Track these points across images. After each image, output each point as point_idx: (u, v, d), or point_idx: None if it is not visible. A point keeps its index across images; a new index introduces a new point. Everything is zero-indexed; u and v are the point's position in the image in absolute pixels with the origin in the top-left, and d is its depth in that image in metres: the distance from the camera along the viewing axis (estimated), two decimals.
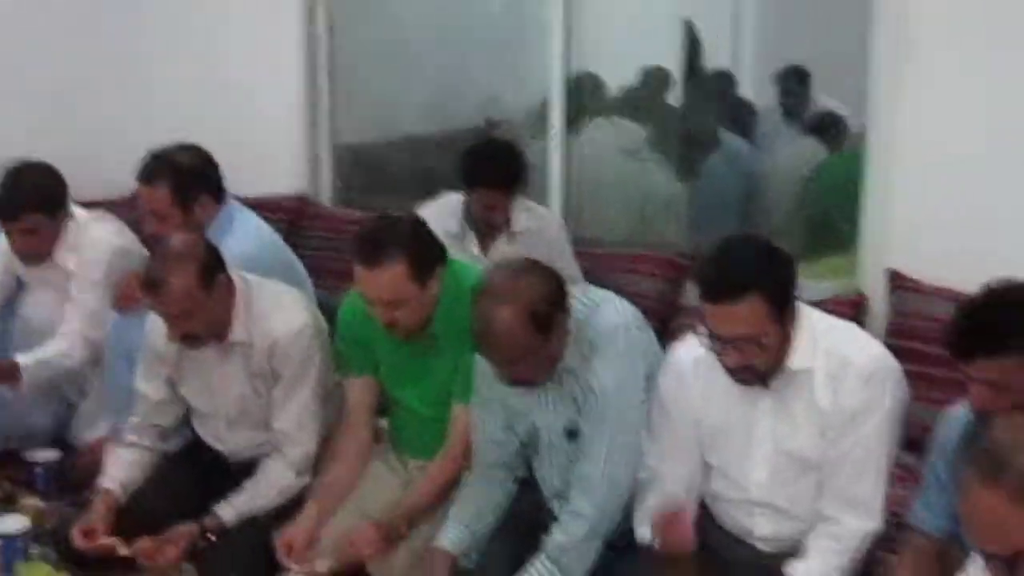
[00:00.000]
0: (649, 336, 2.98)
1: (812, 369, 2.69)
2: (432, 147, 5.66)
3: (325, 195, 5.40)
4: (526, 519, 3.09)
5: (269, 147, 5.21)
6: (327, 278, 4.13)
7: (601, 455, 2.86)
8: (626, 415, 2.87)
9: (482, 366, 2.98)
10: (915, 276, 3.80)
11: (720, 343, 2.67)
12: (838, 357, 2.69)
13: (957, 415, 2.67)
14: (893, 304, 3.86)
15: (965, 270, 3.61)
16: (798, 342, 2.70)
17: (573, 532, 2.87)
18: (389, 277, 3.03)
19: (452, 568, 3.00)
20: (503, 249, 4.13)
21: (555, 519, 2.98)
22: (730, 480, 2.86)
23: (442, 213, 4.10)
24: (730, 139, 5.28)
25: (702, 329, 2.70)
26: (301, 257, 4.04)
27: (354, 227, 4.91)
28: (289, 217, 5.02)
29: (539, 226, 4.22)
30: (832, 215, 4.69)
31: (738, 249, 2.71)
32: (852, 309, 3.89)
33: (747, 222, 5.16)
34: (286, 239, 4.13)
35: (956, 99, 3.73)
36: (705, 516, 2.93)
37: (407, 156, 5.65)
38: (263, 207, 4.11)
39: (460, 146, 4.36)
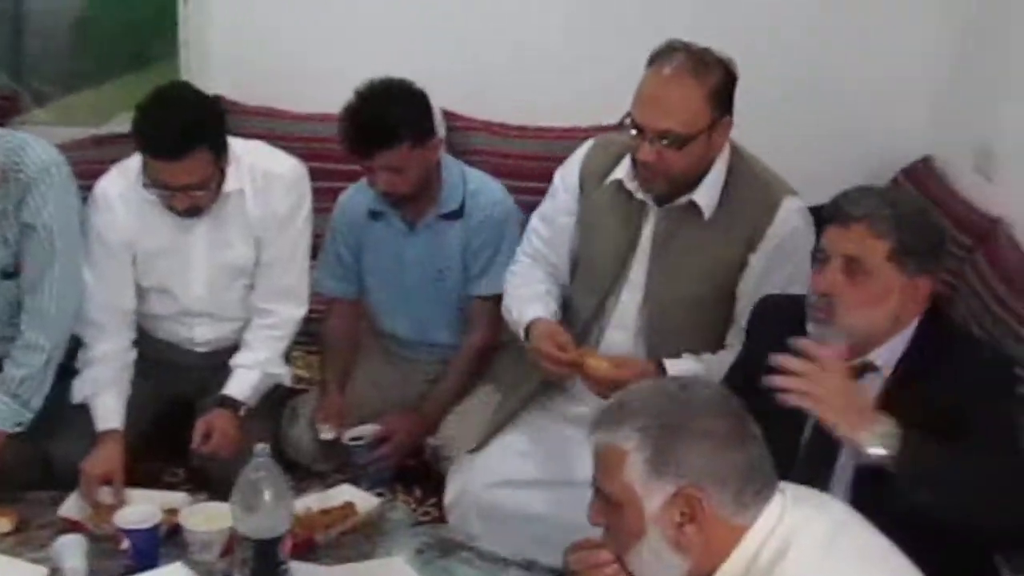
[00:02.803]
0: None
1: (243, 189, 3.04)
2: None
3: None
4: None
5: None
6: None
7: (51, 288, 2.97)
8: (70, 247, 3.00)
9: None
10: (239, 99, 4.19)
11: (169, 191, 2.92)
12: (262, 172, 3.06)
13: (351, 198, 3.29)
14: None
15: (293, 91, 4.13)
16: (228, 168, 3.01)
17: (30, 364, 2.98)
18: None
19: None
20: None
21: None
22: (169, 297, 3.14)
23: None
24: None
25: (149, 180, 2.93)
26: None
27: None
28: None
29: None
30: (118, 42, 4.86)
31: (175, 106, 2.92)
32: None
33: (24, 62, 5.14)
34: None
35: None
36: (141, 332, 3.19)
37: None
38: None
39: None
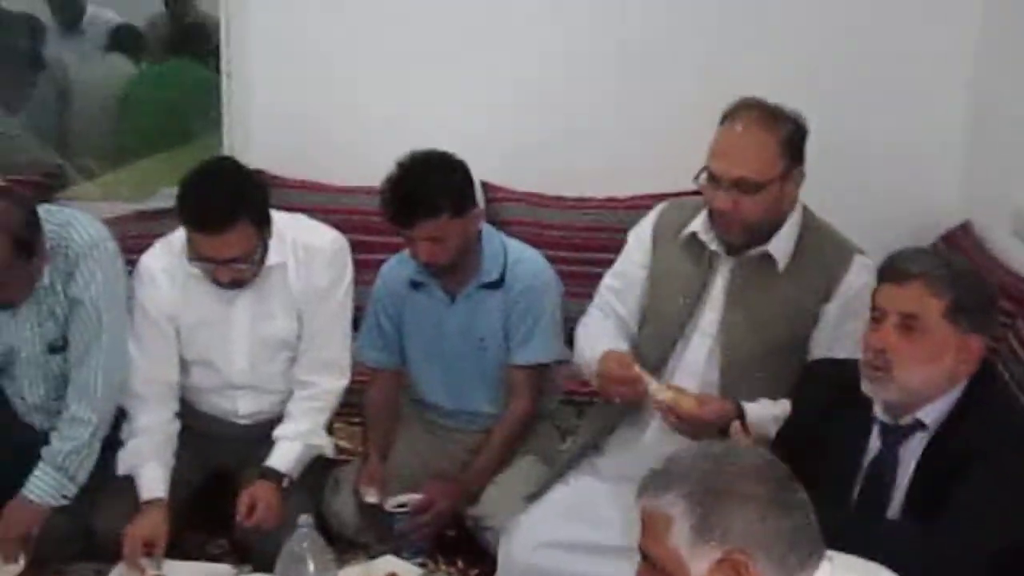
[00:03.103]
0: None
1: (285, 263, 3.08)
2: None
3: None
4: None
5: None
6: None
7: (97, 362, 3.01)
8: (116, 321, 3.04)
9: None
10: (281, 173, 4.24)
11: (212, 264, 2.96)
12: (304, 245, 3.10)
13: (393, 269, 3.31)
14: None
15: (333, 164, 4.19)
16: (270, 241, 3.05)
17: (77, 437, 3.00)
18: None
19: None
20: None
21: (39, 431, 3.10)
22: (212, 370, 3.17)
23: None
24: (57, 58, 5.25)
25: (193, 253, 2.96)
26: None
27: None
28: None
29: None
30: (162, 119, 4.95)
31: (218, 180, 2.97)
32: None
33: (70, 140, 5.24)
34: None
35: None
36: (184, 405, 3.21)
37: None
38: None
39: None
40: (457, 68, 4.19)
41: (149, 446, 3.07)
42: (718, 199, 2.76)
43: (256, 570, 2.94)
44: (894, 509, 2.36)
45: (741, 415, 2.72)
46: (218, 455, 3.24)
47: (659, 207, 3.08)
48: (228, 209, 2.88)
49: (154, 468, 3.04)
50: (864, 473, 2.40)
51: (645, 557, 1.83)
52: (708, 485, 1.77)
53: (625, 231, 3.94)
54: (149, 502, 2.99)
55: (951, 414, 2.32)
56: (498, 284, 3.23)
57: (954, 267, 2.34)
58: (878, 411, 2.39)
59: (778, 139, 2.73)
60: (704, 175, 2.78)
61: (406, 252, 3.20)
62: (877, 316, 2.34)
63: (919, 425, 2.33)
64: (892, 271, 2.35)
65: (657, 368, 2.89)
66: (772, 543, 1.74)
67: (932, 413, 2.32)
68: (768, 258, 2.82)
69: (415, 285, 3.26)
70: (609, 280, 3.08)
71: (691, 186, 2.89)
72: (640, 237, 3.04)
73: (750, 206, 2.73)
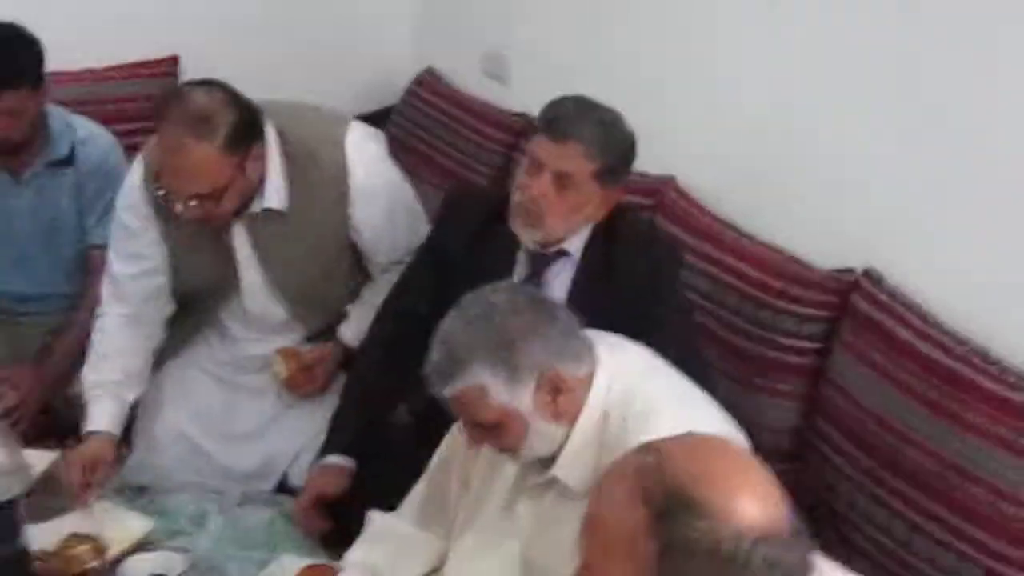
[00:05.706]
0: None
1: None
2: None
3: None
4: None
5: None
6: None
7: None
8: None
9: None
10: None
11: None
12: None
13: None
14: None
15: None
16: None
17: None
18: None
19: None
20: None
21: None
22: None
23: None
24: None
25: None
26: None
27: None
28: None
29: None
30: None
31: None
32: None
33: None
34: None
35: None
36: None
37: None
38: None
39: None
40: None
41: None
42: (183, 210, 2.61)
43: None
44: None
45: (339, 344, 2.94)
46: None
47: (138, 175, 2.82)
48: None
49: None
50: None
51: (478, 427, 2.04)
52: (495, 341, 1.98)
53: None
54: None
55: (591, 242, 2.59)
56: (67, 162, 3.20)
57: (608, 131, 2.51)
58: (523, 240, 2.59)
59: (218, 143, 2.54)
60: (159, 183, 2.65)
61: None
62: (534, 164, 2.50)
63: (563, 252, 2.59)
64: (552, 126, 2.50)
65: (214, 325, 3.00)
66: (561, 348, 2.01)
67: (574, 243, 2.58)
68: (269, 212, 2.77)
69: None
70: (120, 267, 2.87)
71: None
72: (139, 214, 2.82)
73: (218, 208, 2.63)
